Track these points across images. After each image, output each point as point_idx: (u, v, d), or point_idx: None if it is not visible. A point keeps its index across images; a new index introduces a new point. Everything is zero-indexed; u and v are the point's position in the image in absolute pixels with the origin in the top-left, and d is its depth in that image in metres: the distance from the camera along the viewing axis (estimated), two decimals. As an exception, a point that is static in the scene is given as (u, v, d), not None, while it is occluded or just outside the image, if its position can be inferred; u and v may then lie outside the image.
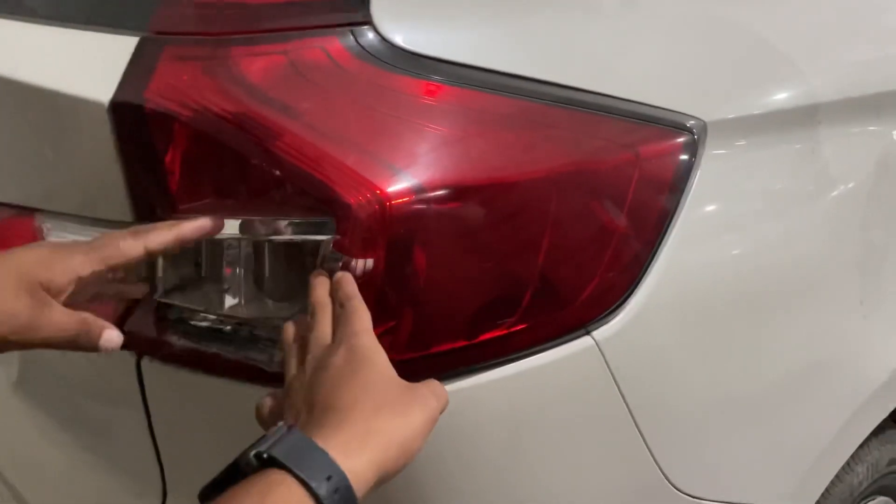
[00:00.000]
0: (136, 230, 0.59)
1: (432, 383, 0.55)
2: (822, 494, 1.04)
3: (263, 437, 0.48)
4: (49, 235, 0.74)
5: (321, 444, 0.46)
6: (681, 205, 0.72)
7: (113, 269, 0.58)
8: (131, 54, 0.61)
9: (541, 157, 0.63)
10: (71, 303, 0.58)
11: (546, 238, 0.63)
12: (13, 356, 0.93)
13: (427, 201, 0.58)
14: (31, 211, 0.75)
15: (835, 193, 0.86)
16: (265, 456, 0.46)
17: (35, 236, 0.74)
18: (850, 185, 0.89)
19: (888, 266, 0.95)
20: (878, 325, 0.94)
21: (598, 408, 0.69)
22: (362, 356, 0.53)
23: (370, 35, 0.61)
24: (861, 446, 1.09)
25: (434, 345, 0.62)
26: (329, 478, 0.45)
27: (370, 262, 0.58)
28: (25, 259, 0.56)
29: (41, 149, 0.71)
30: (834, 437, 0.94)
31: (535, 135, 0.65)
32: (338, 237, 0.57)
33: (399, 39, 0.62)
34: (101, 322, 0.58)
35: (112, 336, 0.58)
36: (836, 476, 1.07)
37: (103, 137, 0.62)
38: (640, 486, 0.76)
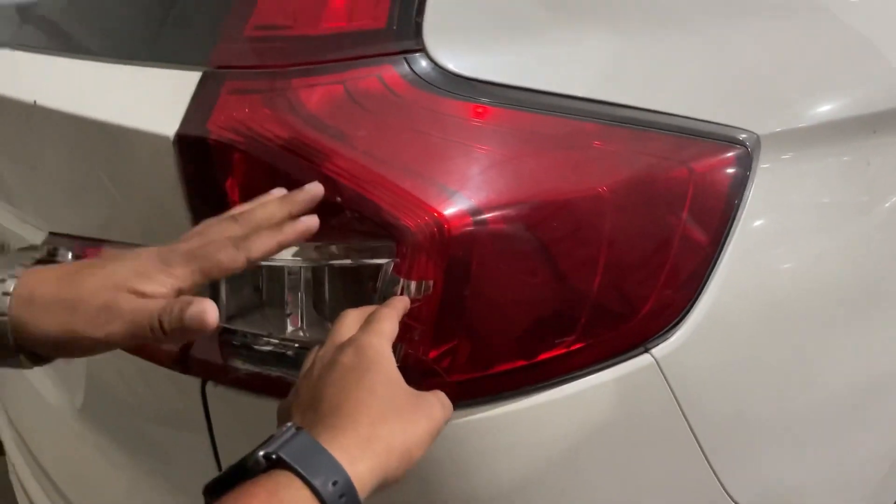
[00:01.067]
0: (235, 240, 0.55)
1: (438, 393, 0.55)
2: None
3: (271, 437, 0.49)
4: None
5: (327, 446, 0.47)
6: (737, 219, 0.71)
7: (212, 280, 0.56)
8: (194, 89, 0.63)
9: (593, 175, 0.63)
10: None
11: (602, 256, 0.63)
12: (79, 382, 0.95)
13: (483, 223, 0.59)
14: (96, 241, 0.78)
15: (890, 204, 0.84)
16: (273, 457, 0.47)
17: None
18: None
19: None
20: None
21: (658, 426, 0.69)
22: (370, 357, 0.53)
23: (423, 62, 0.62)
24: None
25: (493, 365, 0.62)
26: (335, 483, 0.46)
27: (429, 285, 0.59)
28: (124, 269, 0.54)
29: (106, 181, 0.74)
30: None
31: (587, 153, 0.65)
32: (397, 260, 0.58)
33: (451, 65, 0.63)
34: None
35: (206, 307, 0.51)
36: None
37: (168, 169, 0.64)
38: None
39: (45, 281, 0.54)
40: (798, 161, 0.77)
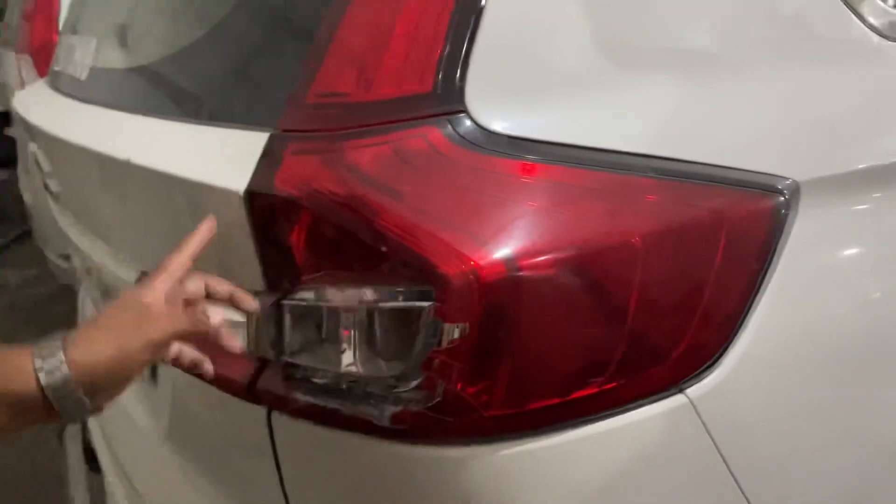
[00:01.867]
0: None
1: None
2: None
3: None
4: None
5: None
6: (773, 263, 0.74)
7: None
8: (262, 149, 0.71)
9: (624, 224, 0.67)
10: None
11: (633, 301, 0.67)
12: (164, 408, 1.05)
13: (517, 270, 0.64)
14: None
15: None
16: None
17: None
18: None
19: None
20: None
21: (695, 466, 0.71)
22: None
23: (466, 122, 0.68)
24: None
25: (528, 402, 0.66)
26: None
27: (465, 327, 0.64)
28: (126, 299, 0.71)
29: (191, 230, 0.82)
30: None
31: (620, 203, 0.69)
32: (438, 304, 0.64)
33: (493, 125, 0.68)
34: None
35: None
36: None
37: (240, 220, 0.72)
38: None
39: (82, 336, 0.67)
40: (840, 206, 0.79)
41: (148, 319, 0.67)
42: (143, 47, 1.03)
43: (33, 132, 1.22)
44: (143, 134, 0.88)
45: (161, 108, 0.91)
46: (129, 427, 1.20)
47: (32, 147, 1.30)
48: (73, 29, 1.31)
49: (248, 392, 0.78)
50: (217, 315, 0.72)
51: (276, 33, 0.81)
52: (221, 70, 0.85)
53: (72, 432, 1.90)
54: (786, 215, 0.75)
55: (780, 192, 0.75)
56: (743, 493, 0.72)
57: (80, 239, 1.17)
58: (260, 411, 0.79)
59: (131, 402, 1.20)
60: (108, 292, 1.23)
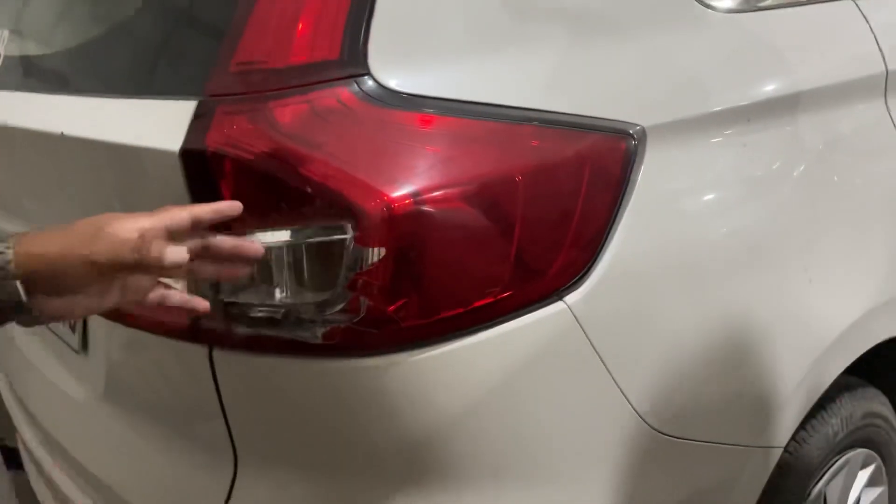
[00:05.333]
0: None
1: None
2: (800, 443, 1.20)
3: None
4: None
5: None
6: (628, 193, 0.90)
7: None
8: (192, 113, 0.81)
9: (508, 164, 0.82)
10: (141, 303, 0.76)
11: (517, 226, 0.82)
12: (99, 375, 1.12)
13: (422, 202, 0.77)
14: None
15: (762, 174, 1.03)
16: None
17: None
18: (790, 171, 1.07)
19: (828, 239, 1.12)
20: (822, 290, 1.10)
21: (574, 357, 0.87)
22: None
23: (370, 83, 0.80)
24: (833, 400, 1.25)
25: (438, 313, 0.80)
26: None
27: (384, 251, 0.77)
28: (101, 217, 0.72)
29: (123, 194, 0.91)
30: (796, 386, 1.10)
31: (505, 148, 0.83)
32: (357, 234, 0.76)
33: (392, 84, 0.81)
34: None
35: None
36: (812, 427, 1.22)
37: (176, 178, 0.81)
38: (620, 426, 0.93)
39: (41, 232, 0.71)
40: (680, 146, 0.96)
41: (100, 238, 0.69)
42: (63, 31, 1.10)
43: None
44: (72, 111, 0.96)
45: (86, 87, 0.99)
46: (61, 401, 1.26)
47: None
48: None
49: (191, 333, 0.88)
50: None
51: (194, 12, 0.91)
52: (144, 47, 0.94)
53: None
54: (636, 154, 0.91)
55: (632, 136, 0.91)
56: (611, 375, 0.89)
57: (4, 224, 1.22)
58: (201, 350, 0.89)
59: (61, 377, 1.26)
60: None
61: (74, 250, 0.69)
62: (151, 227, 0.71)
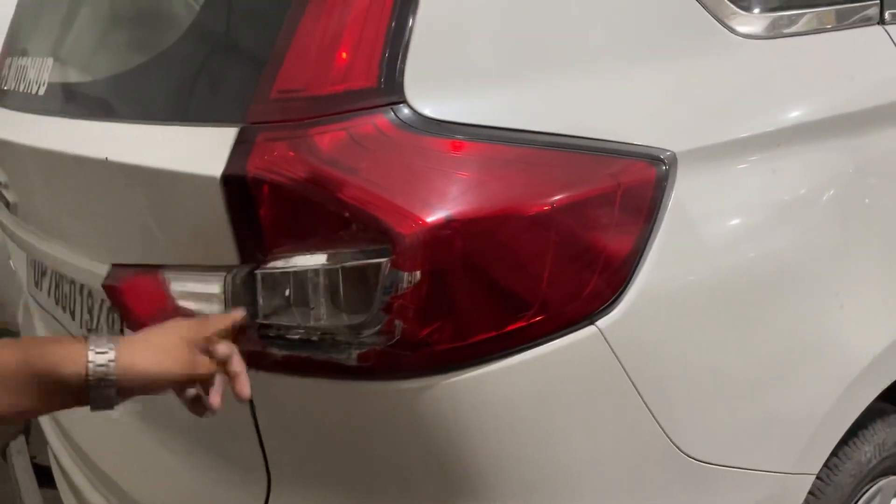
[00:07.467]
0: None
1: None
2: (832, 469, 1.19)
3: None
4: (170, 285, 0.96)
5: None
6: (659, 217, 0.91)
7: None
8: (234, 139, 0.83)
9: (539, 188, 0.83)
10: None
11: (549, 249, 0.83)
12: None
13: (457, 227, 0.79)
14: (155, 267, 0.97)
15: (792, 198, 1.03)
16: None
17: (160, 286, 0.96)
18: (820, 196, 1.08)
19: (859, 264, 1.12)
20: (854, 315, 1.10)
21: (606, 381, 0.87)
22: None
23: (405, 110, 0.82)
24: (866, 427, 1.24)
25: (471, 336, 0.81)
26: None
27: (419, 275, 0.78)
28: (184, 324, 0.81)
29: (165, 218, 0.94)
30: (828, 412, 1.09)
31: (536, 172, 0.85)
32: (394, 258, 0.78)
33: (427, 112, 0.83)
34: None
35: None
36: (844, 454, 1.21)
37: (216, 202, 0.84)
38: (651, 451, 0.93)
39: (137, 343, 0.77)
40: (710, 171, 0.97)
41: (182, 353, 0.77)
42: (106, 59, 1.14)
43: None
44: (115, 137, 0.99)
45: (127, 113, 1.02)
46: (95, 417, 1.27)
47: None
48: (21, 52, 1.39)
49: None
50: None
51: (235, 41, 0.94)
52: (185, 75, 0.97)
53: (17, 446, 1.91)
54: (667, 179, 0.92)
55: (662, 162, 0.92)
56: (643, 399, 0.89)
57: (40, 245, 1.25)
58: (238, 371, 0.90)
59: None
60: (76, 292, 1.31)
61: (171, 373, 0.77)
62: (207, 337, 0.80)
